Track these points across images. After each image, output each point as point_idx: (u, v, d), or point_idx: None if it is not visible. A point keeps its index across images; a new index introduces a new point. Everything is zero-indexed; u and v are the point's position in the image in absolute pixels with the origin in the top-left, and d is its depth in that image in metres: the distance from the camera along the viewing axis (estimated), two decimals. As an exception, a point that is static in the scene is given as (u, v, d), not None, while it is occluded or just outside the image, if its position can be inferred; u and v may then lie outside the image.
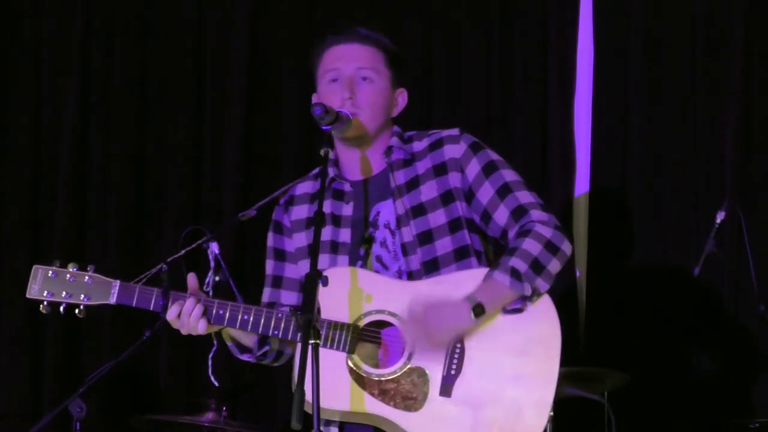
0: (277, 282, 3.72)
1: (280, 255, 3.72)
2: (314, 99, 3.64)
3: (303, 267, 3.66)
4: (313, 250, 3.22)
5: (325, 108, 3.45)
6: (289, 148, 6.01)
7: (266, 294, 3.72)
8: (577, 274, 5.50)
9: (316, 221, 3.27)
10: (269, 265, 3.74)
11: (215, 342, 3.64)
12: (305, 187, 3.74)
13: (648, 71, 5.59)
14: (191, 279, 3.54)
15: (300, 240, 3.68)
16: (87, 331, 6.08)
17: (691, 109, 5.51)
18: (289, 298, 3.68)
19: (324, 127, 3.48)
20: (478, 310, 3.37)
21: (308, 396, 3.02)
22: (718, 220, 4.83)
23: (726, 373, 5.31)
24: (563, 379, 4.89)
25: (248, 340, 3.64)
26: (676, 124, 5.54)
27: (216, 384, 4.32)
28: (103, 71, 6.21)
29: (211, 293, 3.63)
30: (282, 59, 6.06)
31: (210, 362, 4.09)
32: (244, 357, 3.69)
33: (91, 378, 4.88)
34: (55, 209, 6.14)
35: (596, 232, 5.54)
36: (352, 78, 3.59)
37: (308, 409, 3.08)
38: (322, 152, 3.42)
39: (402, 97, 3.69)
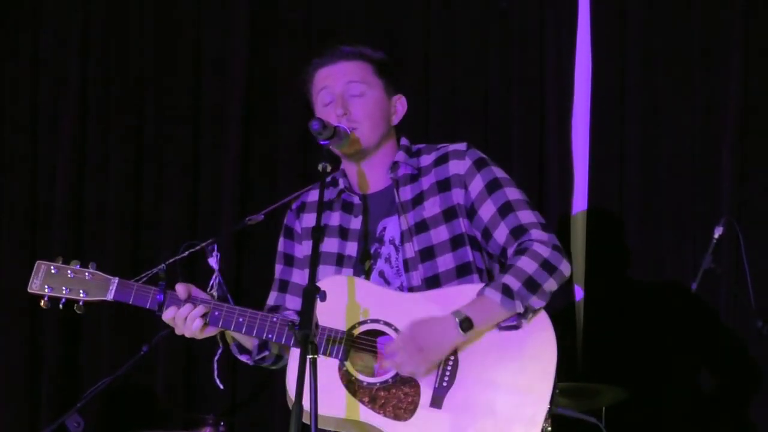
0: (284, 286, 3.73)
1: (289, 260, 3.74)
2: None
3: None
4: (311, 265, 3.24)
5: (323, 123, 3.47)
6: (287, 160, 6.02)
7: (272, 297, 3.74)
8: (578, 297, 5.49)
9: (314, 236, 3.29)
10: (278, 269, 3.76)
11: (221, 345, 3.65)
12: (317, 194, 3.73)
13: (645, 88, 5.59)
14: (182, 287, 3.54)
15: (309, 247, 3.67)
16: (85, 346, 6.07)
17: (689, 125, 5.52)
18: (294, 302, 3.69)
19: (322, 142, 3.49)
20: (465, 325, 3.37)
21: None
22: (716, 236, 4.83)
23: (724, 388, 5.31)
24: (560, 397, 4.95)
25: (248, 342, 3.65)
26: (673, 140, 5.55)
27: (221, 387, 4.34)
28: (101, 81, 6.21)
29: (216, 295, 3.64)
30: (280, 70, 6.07)
31: (215, 365, 4.10)
32: (243, 358, 3.70)
33: (88, 393, 4.90)
34: (52, 219, 6.15)
35: (594, 248, 5.54)
36: (342, 95, 3.60)
37: (306, 420, 3.09)
38: (320, 167, 3.43)
39: (401, 103, 3.69)
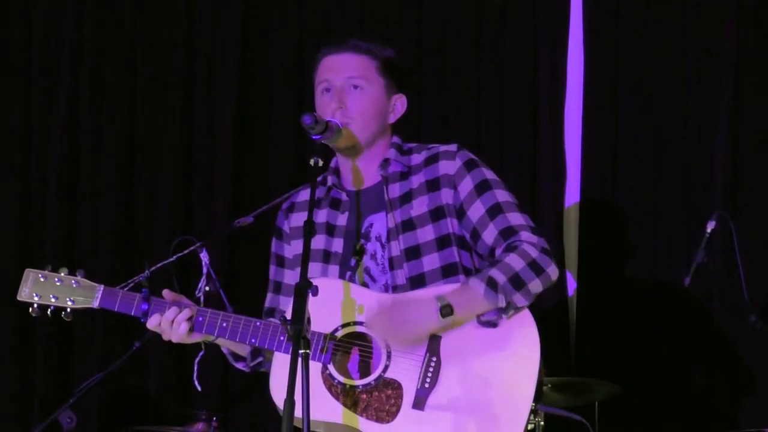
0: (277, 288, 3.73)
1: (280, 261, 3.74)
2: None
3: (298, 274, 3.66)
4: (303, 260, 3.22)
5: (314, 118, 3.46)
6: (279, 158, 6.01)
7: (268, 299, 3.74)
8: (570, 292, 5.50)
9: (305, 231, 3.28)
10: (271, 271, 3.75)
11: (203, 347, 3.64)
12: (307, 194, 3.70)
13: (638, 82, 5.59)
14: (169, 293, 3.54)
15: (297, 247, 3.67)
16: (77, 342, 6.06)
17: (682, 120, 5.52)
18: (287, 303, 3.65)
19: (314, 137, 3.48)
20: (446, 311, 3.35)
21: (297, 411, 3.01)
22: (709, 230, 4.83)
23: (716, 383, 5.31)
24: (553, 392, 4.96)
25: (242, 349, 3.65)
26: (666, 134, 5.55)
27: (199, 388, 4.35)
28: (94, 81, 6.19)
29: (202, 300, 3.64)
30: (273, 70, 6.06)
31: (196, 366, 4.11)
32: (239, 365, 3.70)
33: (80, 389, 4.88)
34: (44, 221, 6.13)
35: (587, 243, 5.54)
36: (342, 88, 3.59)
37: (298, 423, 3.07)
38: (311, 162, 3.42)
39: (400, 103, 3.67)
